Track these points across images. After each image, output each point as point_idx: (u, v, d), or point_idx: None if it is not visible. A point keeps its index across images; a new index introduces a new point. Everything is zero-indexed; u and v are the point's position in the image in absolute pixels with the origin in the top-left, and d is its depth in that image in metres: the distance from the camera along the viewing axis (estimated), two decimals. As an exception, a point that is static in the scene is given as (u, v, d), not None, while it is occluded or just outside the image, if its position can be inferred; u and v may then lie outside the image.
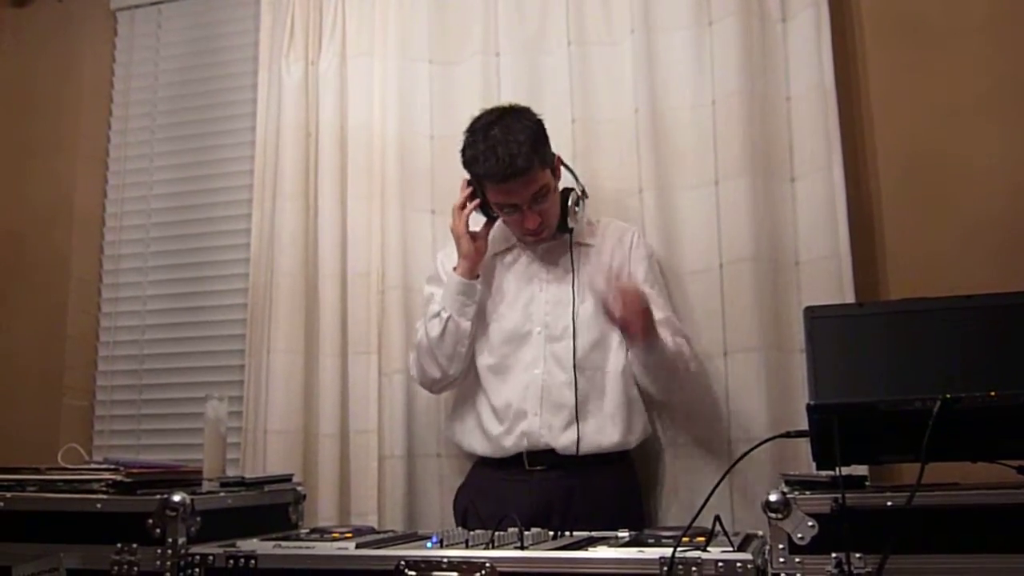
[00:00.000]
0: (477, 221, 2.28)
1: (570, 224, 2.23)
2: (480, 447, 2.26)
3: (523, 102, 2.26)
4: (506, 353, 2.24)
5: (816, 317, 1.58)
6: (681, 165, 2.43)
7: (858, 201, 2.37)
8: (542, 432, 2.15)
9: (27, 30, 3.30)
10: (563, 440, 2.15)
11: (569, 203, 2.22)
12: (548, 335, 2.21)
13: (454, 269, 2.25)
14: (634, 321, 2.03)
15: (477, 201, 2.24)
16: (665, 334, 2.11)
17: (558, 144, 2.28)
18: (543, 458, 2.17)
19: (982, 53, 2.36)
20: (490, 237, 2.30)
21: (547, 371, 2.19)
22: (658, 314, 2.12)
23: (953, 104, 2.37)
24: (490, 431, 2.22)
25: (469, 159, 2.17)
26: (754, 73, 2.39)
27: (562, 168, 2.28)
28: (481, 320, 2.27)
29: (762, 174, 2.35)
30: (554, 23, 2.59)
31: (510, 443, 2.18)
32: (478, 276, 2.26)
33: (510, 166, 2.09)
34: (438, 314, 2.23)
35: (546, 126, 2.21)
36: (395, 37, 2.69)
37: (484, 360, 2.26)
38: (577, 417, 2.14)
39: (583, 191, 2.29)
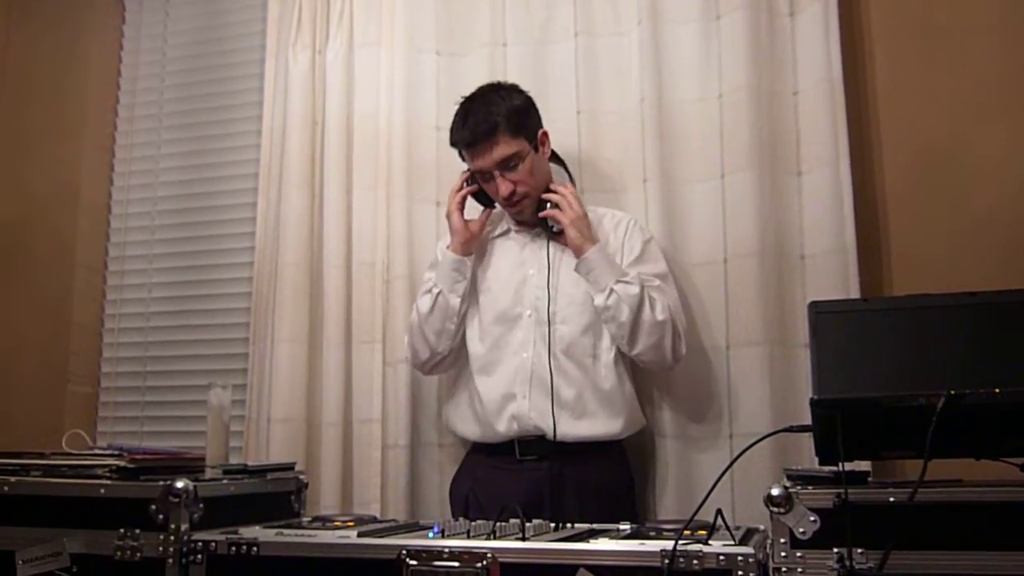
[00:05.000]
0: (476, 211, 2.32)
1: (552, 190, 2.22)
2: (471, 432, 2.27)
3: (529, 93, 2.27)
4: (497, 335, 2.24)
5: (821, 312, 1.57)
6: (687, 158, 2.43)
7: (864, 196, 2.36)
8: (531, 415, 2.16)
9: (34, 16, 3.30)
10: (552, 425, 2.14)
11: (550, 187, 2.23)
12: (538, 319, 2.21)
13: (447, 248, 2.29)
14: (567, 212, 2.15)
15: (474, 187, 2.27)
16: (631, 287, 2.11)
17: (564, 134, 2.29)
18: (534, 447, 2.17)
19: (990, 49, 2.35)
20: (488, 220, 2.33)
21: (536, 355, 2.19)
22: (652, 268, 2.19)
23: (961, 100, 2.36)
24: (481, 414, 2.23)
25: (449, 130, 2.24)
26: (761, 67, 2.38)
27: (551, 153, 2.29)
28: (474, 302, 2.29)
29: (768, 168, 2.35)
30: (561, 14, 2.59)
31: (502, 427, 2.19)
32: (471, 254, 2.29)
33: (473, 132, 2.16)
34: (430, 290, 2.27)
35: (552, 117, 2.21)
36: (402, 27, 2.68)
37: (476, 342, 2.27)
38: (553, 401, 2.14)
39: (571, 178, 2.32)
